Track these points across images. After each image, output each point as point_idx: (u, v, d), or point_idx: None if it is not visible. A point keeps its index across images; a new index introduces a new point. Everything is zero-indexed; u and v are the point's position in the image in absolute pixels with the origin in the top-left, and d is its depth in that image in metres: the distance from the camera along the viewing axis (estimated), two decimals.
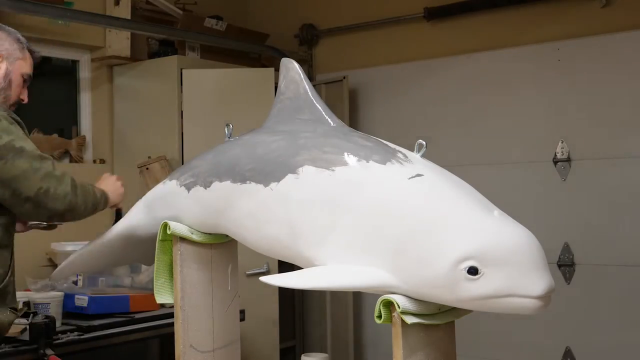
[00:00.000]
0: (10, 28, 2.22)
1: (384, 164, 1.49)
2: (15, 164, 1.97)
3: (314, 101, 1.76)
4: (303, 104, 1.77)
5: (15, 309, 2.19)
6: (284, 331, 4.08)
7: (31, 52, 2.23)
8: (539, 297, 1.31)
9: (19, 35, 2.21)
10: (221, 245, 1.99)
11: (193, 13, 4.22)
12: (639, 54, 3.49)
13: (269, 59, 4.46)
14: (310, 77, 4.12)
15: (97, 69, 3.93)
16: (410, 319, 1.37)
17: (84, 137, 3.85)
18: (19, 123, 2.07)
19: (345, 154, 1.54)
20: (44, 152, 2.12)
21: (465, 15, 4.00)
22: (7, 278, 2.12)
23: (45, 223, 2.36)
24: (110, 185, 2.30)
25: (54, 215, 2.04)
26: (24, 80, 2.19)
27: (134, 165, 3.69)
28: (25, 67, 2.19)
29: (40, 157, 2.02)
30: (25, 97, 2.21)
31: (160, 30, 3.92)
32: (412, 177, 1.45)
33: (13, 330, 2.45)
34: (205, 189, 1.81)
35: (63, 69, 3.93)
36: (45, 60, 3.76)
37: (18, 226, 2.23)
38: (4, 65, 2.13)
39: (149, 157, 3.69)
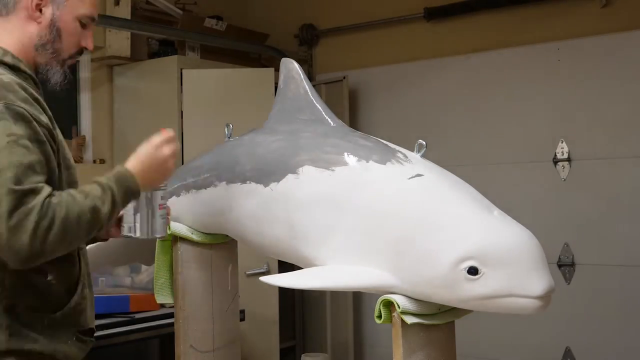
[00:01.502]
0: None
1: (384, 164, 1.49)
2: None
3: (314, 101, 1.76)
4: (303, 104, 1.77)
5: (84, 333, 1.62)
6: (284, 331, 4.08)
7: None
8: (539, 297, 1.31)
9: None
10: (221, 245, 1.99)
11: (193, 13, 4.22)
12: (639, 54, 3.49)
13: (269, 59, 4.46)
14: (310, 77, 4.11)
15: (97, 69, 3.92)
16: (410, 319, 1.37)
17: (84, 137, 3.84)
18: (25, 116, 1.45)
19: (345, 154, 1.54)
20: None
21: (465, 15, 3.99)
22: (75, 297, 1.59)
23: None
24: (147, 163, 1.58)
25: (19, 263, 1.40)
26: (83, 25, 1.66)
27: None
28: (81, 7, 1.64)
29: (7, 187, 1.36)
30: (88, 44, 1.69)
31: (160, 30, 3.92)
32: (412, 177, 1.45)
33: None
34: (206, 189, 1.81)
35: None
36: None
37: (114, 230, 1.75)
38: (48, 11, 1.60)
39: None
